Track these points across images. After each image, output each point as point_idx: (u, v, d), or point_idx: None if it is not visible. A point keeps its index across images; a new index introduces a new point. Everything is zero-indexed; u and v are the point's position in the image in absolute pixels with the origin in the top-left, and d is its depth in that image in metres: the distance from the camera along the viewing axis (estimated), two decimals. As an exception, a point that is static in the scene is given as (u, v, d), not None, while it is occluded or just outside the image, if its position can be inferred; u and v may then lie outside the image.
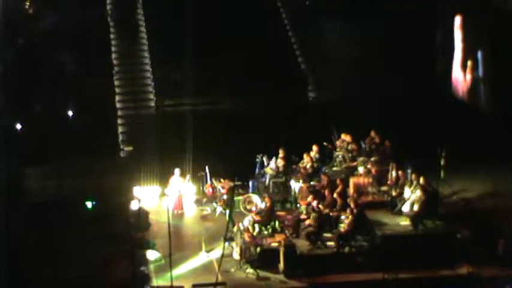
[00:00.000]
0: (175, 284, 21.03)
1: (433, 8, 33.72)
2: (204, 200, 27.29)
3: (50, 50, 34.83)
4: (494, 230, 23.32)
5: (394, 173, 25.93)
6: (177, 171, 26.53)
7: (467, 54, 31.23)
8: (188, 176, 27.22)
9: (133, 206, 25.65)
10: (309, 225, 23.60)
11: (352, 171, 27.02)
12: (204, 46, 34.20)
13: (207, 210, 26.72)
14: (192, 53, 34.48)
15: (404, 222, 24.10)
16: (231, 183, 26.45)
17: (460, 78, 31.82)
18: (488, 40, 30.28)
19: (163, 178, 27.26)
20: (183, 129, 28.72)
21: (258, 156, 27.66)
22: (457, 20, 32.12)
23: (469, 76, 31.30)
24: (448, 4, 33.13)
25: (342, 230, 23.31)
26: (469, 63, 31.16)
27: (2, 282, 21.99)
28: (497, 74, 29.67)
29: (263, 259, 22.42)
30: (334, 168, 27.56)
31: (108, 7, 36.82)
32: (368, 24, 34.95)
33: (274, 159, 27.28)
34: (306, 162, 27.11)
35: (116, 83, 34.30)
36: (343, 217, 23.70)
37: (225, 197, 26.05)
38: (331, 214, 24.10)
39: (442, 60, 33.58)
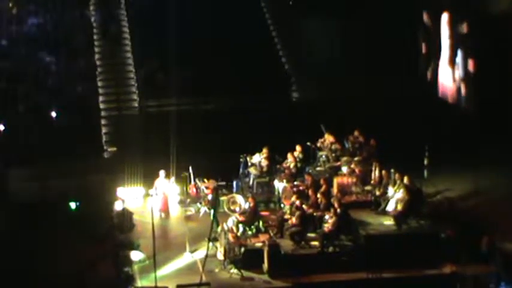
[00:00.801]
0: (159, 284, 20.99)
1: (417, 7, 33.82)
2: (188, 200, 27.26)
3: (33, 51, 34.80)
4: (478, 229, 23.39)
5: (377, 173, 26.00)
6: (162, 172, 26.45)
7: (455, 51, 31.17)
8: (172, 178, 27.18)
9: (117, 206, 25.60)
10: (293, 225, 23.59)
11: (335, 171, 27.08)
12: (187, 47, 34.21)
13: (191, 210, 26.68)
14: (175, 53, 34.51)
15: (388, 221, 24.16)
16: (215, 184, 26.44)
17: (448, 76, 31.79)
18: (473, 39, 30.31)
19: (147, 179, 27.22)
20: (166, 130, 28.66)
21: (241, 156, 27.68)
22: (445, 16, 32.09)
23: (456, 74, 31.25)
24: (432, 2, 33.18)
25: (326, 229, 23.30)
26: (457, 60, 31.10)
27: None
28: (483, 73, 29.68)
29: (247, 259, 22.39)
30: (318, 168, 27.62)
31: (91, 8, 36.74)
32: (351, 24, 35.05)
33: (258, 155, 27.30)
34: (290, 162, 27.14)
35: (99, 83, 34.25)
36: (327, 217, 23.69)
37: (209, 197, 26.03)
38: (315, 214, 24.10)
39: (426, 59, 33.60)
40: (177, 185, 27.29)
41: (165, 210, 26.36)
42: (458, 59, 31.04)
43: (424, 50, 33.80)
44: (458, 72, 31.04)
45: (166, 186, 26.58)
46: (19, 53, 34.76)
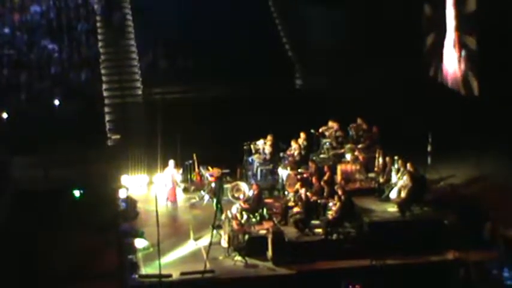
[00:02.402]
0: (163, 272, 20.99)
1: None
2: (192, 188, 27.27)
3: (36, 39, 34.78)
4: (481, 215, 23.41)
5: (381, 160, 26.00)
6: (171, 162, 26.27)
7: (461, 33, 30.90)
8: (181, 170, 27.05)
9: (121, 194, 25.62)
10: (297, 213, 23.63)
11: (339, 158, 27.06)
12: (191, 34, 34.21)
13: (195, 198, 26.70)
14: (179, 40, 34.52)
15: (392, 208, 24.17)
16: (220, 171, 26.44)
17: (452, 59, 31.57)
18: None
19: (151, 166, 27.21)
20: (170, 117, 28.64)
21: (245, 143, 27.69)
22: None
23: (462, 57, 31.01)
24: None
25: (330, 217, 23.34)
26: (463, 42, 30.85)
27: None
28: (487, 55, 29.45)
29: (251, 247, 22.41)
30: (322, 156, 27.62)
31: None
32: (355, 10, 34.91)
33: (261, 143, 27.29)
34: (294, 149, 27.13)
35: (103, 71, 34.24)
36: (330, 204, 23.72)
37: (213, 184, 26.05)
38: (319, 201, 24.13)
39: (431, 43, 33.38)
40: (181, 173, 27.20)
41: (174, 200, 26.28)
42: (463, 40, 30.76)
43: (428, 35, 33.55)
44: (462, 54, 30.71)
45: (175, 176, 26.44)
46: (22, 41, 34.73)
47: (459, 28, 30.89)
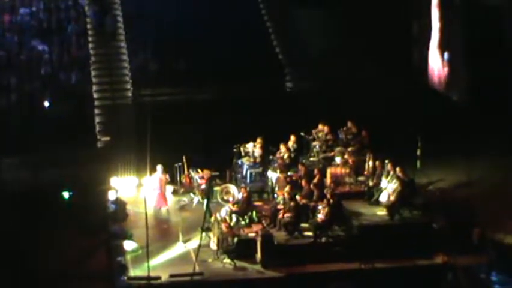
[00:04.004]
0: (152, 274, 21.04)
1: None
2: (181, 190, 27.25)
3: (26, 40, 34.69)
4: (470, 219, 23.48)
5: (370, 163, 26.04)
6: (159, 167, 26.10)
7: (445, 35, 31.00)
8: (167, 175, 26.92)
9: (111, 196, 25.58)
10: (286, 216, 23.64)
11: (329, 161, 27.09)
12: (182, 36, 34.17)
13: (184, 200, 26.68)
14: (170, 42, 34.48)
15: (381, 212, 24.22)
16: (210, 174, 26.41)
17: (438, 61, 31.67)
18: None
19: (141, 168, 27.15)
20: (160, 120, 28.60)
21: (235, 146, 27.68)
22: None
23: (446, 59, 31.09)
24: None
25: (319, 220, 23.36)
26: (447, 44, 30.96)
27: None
28: (475, 59, 29.54)
29: (240, 249, 22.44)
30: (312, 159, 27.64)
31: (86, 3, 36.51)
32: (345, 12, 34.97)
33: (251, 145, 27.29)
34: (283, 152, 27.14)
35: (93, 73, 34.16)
36: (320, 207, 23.74)
37: (203, 186, 26.03)
38: (308, 204, 24.15)
39: (418, 46, 33.50)
40: (168, 178, 26.99)
41: (165, 204, 26.04)
42: (448, 42, 30.83)
43: (416, 37, 33.65)
44: (448, 55, 30.77)
45: (164, 182, 26.11)
46: (12, 42, 34.63)
47: (444, 30, 31.01)
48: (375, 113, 29.85)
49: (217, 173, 26.81)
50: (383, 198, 24.55)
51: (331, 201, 23.42)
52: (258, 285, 21.68)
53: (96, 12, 35.58)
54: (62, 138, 29.35)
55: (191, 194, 26.65)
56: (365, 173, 26.18)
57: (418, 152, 27.66)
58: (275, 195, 25.70)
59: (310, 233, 23.24)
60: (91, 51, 34.95)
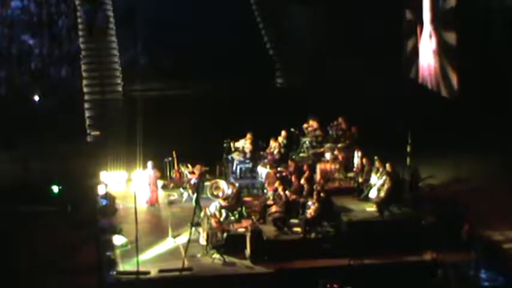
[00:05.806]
0: (141, 269, 21.01)
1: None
2: (171, 185, 27.22)
3: (16, 34, 34.62)
4: (459, 216, 23.52)
5: (359, 160, 26.03)
6: (150, 164, 26.04)
7: (437, 35, 30.98)
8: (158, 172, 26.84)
9: (100, 190, 25.53)
10: (276, 211, 23.64)
11: (319, 157, 27.09)
12: (172, 32, 34.14)
13: (174, 195, 26.65)
14: (160, 38, 34.45)
15: (371, 208, 24.23)
16: (201, 168, 26.37)
17: (428, 54, 31.63)
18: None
19: (131, 163, 27.11)
20: (150, 114, 28.56)
21: (225, 141, 27.65)
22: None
23: (437, 58, 31.07)
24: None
25: (309, 215, 23.35)
26: (438, 44, 30.91)
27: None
28: (466, 58, 29.53)
29: (230, 244, 22.42)
30: (301, 154, 27.65)
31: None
32: (335, 9, 34.97)
33: (241, 141, 27.26)
34: (273, 148, 27.14)
35: (83, 67, 34.11)
36: (309, 203, 23.74)
37: (193, 181, 25.99)
38: (298, 200, 24.16)
39: (409, 43, 33.50)
40: (160, 171, 27.00)
41: (156, 202, 26.06)
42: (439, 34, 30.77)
43: (406, 31, 33.61)
44: (440, 49, 30.72)
45: (155, 178, 26.10)
46: (2, 36, 34.54)
47: (435, 22, 30.95)
48: (365, 109, 29.86)
49: (206, 168, 26.78)
50: (372, 194, 24.56)
51: (320, 197, 23.42)
52: (247, 280, 21.65)
53: (86, 10, 35.48)
54: (52, 132, 29.31)
55: (181, 189, 26.61)
56: (354, 169, 26.17)
57: (408, 149, 27.65)
58: (265, 191, 25.70)
59: (299, 229, 23.24)
60: (81, 46, 34.90)
